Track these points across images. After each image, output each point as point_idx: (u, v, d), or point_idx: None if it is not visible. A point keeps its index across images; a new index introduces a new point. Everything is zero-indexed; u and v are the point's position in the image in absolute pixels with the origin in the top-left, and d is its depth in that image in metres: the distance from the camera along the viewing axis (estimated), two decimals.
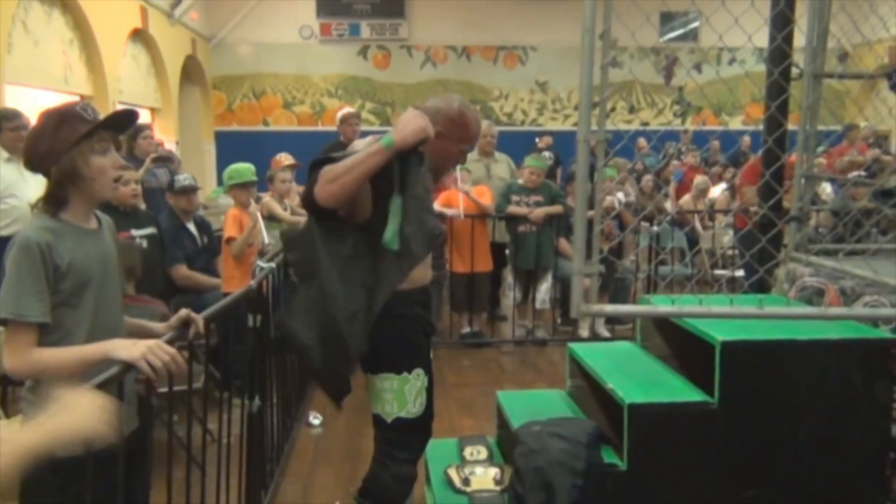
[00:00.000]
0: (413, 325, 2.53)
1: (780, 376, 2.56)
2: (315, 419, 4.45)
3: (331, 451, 4.08)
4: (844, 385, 2.57)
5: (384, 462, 2.54)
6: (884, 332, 2.59)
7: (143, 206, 4.65)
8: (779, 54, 3.02)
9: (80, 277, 1.94)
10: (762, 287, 3.25)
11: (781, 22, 3.07)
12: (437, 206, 5.83)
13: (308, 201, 2.28)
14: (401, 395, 2.49)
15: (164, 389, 2.38)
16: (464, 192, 5.95)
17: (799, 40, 3.17)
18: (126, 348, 1.90)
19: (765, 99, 3.28)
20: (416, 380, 2.51)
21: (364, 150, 2.22)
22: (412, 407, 2.50)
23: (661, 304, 2.82)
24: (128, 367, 1.90)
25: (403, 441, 2.54)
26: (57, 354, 1.90)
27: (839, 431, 2.57)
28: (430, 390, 2.60)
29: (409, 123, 2.22)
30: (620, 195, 7.00)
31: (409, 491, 2.60)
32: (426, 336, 2.63)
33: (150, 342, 1.92)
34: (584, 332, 6.26)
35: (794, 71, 3.16)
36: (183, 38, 11.64)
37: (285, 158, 5.59)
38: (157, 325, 2.32)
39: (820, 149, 8.48)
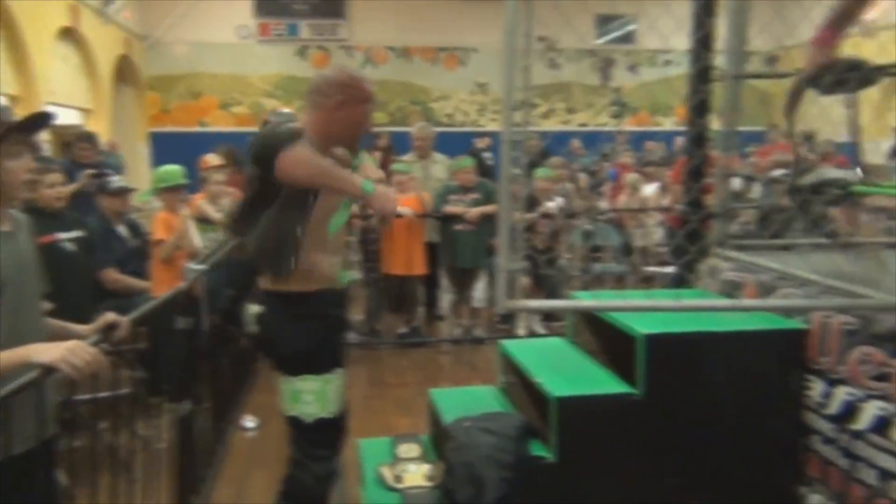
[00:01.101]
0: (328, 325, 2.56)
1: (700, 367, 2.63)
2: (250, 423, 4.41)
3: (266, 454, 4.04)
4: (761, 375, 2.66)
5: (304, 463, 2.55)
6: (797, 323, 2.69)
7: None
8: (697, 55, 3.12)
9: None
10: (686, 282, 3.35)
11: (698, 24, 3.17)
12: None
13: (263, 163, 2.32)
14: (322, 395, 2.51)
15: (88, 396, 2.34)
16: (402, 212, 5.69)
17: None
18: (46, 351, 1.86)
19: (686, 99, 3.38)
20: (337, 379, 2.55)
21: (351, 177, 2.39)
22: (332, 406, 2.53)
23: (584, 299, 2.89)
24: (48, 370, 1.86)
25: (323, 440, 2.56)
26: None
27: (756, 419, 2.66)
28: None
29: (389, 204, 2.42)
30: (560, 199, 7.10)
31: (330, 486, 2.62)
32: (341, 333, 2.67)
33: (70, 343, 1.88)
34: (521, 331, 6.32)
35: (718, 73, 3.25)
36: (116, 37, 11.37)
37: (213, 159, 5.54)
38: (81, 328, 2.28)
39: (748, 149, 8.74)
